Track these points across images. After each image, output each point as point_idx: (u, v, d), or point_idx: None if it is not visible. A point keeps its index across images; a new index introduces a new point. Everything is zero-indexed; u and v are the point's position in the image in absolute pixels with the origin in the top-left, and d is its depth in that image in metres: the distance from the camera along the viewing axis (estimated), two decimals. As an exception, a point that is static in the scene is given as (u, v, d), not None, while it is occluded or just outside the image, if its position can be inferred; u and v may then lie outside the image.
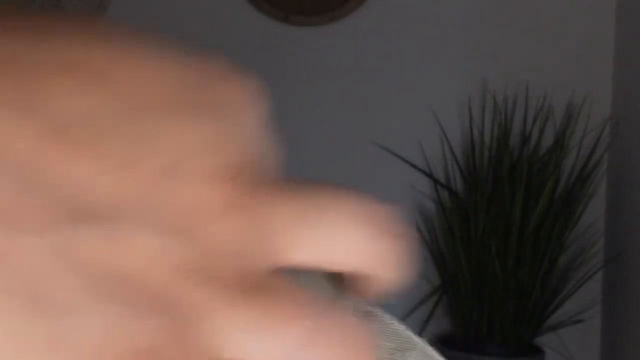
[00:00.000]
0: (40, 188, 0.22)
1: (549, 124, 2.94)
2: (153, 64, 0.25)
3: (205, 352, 0.23)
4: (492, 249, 2.71)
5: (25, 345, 0.22)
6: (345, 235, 0.26)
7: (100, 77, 0.24)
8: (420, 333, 3.01)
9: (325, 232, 0.25)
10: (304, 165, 3.04)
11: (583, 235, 2.94)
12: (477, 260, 2.75)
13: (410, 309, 3.01)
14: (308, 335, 0.24)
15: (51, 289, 0.22)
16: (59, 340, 0.22)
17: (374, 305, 0.29)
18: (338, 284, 0.29)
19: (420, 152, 3.00)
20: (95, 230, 0.22)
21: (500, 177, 2.75)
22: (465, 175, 2.90)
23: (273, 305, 0.24)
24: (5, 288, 0.22)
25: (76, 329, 0.22)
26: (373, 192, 3.23)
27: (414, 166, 2.97)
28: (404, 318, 3.01)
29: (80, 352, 0.22)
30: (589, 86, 2.95)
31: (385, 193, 3.00)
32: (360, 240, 0.26)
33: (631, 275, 2.69)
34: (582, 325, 2.95)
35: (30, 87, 0.23)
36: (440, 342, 2.81)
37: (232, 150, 0.25)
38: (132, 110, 0.24)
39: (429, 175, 2.93)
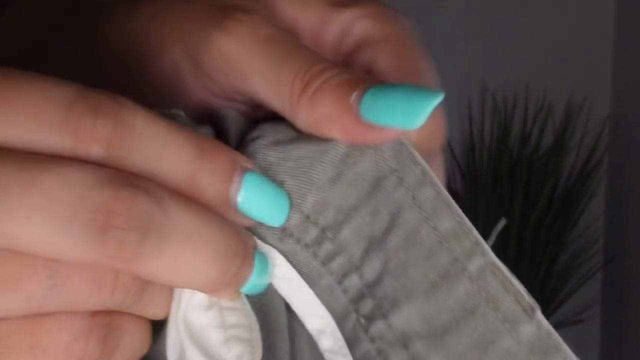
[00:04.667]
0: None
1: (548, 123, 2.94)
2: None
3: None
4: (491, 248, 2.70)
5: None
6: None
7: None
8: (419, 333, 3.01)
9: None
10: (303, 165, 3.04)
11: (583, 235, 2.94)
12: (476, 260, 2.75)
13: (410, 309, 3.01)
14: None
15: None
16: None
17: None
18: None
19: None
20: None
21: (500, 177, 2.75)
22: (465, 175, 2.89)
23: None
24: None
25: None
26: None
27: (413, 166, 2.97)
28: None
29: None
30: (588, 86, 2.95)
31: (385, 193, 3.00)
32: None
33: (631, 276, 2.69)
34: (581, 326, 2.95)
35: None
36: (439, 342, 2.81)
37: None
38: None
39: (428, 175, 2.93)
